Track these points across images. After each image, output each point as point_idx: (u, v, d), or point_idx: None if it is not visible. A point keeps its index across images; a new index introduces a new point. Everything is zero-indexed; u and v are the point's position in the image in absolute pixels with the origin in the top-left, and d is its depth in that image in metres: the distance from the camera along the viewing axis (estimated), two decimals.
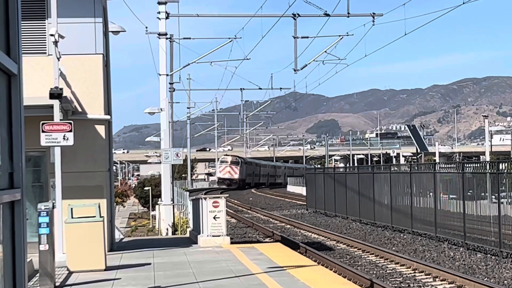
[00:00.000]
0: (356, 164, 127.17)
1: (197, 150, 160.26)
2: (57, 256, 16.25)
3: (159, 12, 36.29)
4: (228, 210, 35.28)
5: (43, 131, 17.89)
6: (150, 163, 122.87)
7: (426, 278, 18.85)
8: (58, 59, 18.90)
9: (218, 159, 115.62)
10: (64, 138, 17.96)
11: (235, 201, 65.87)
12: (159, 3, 36.20)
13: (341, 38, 39.37)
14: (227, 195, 24.85)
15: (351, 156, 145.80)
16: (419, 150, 62.83)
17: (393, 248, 25.47)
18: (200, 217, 22.61)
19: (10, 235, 4.59)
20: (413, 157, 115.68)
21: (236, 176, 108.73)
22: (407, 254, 23.32)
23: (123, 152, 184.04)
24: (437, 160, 73.51)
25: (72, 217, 17.12)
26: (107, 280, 15.56)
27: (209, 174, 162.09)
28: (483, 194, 25.07)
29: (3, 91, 4.55)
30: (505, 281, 18.08)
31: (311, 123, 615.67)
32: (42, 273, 14.74)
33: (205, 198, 22.12)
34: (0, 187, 4.46)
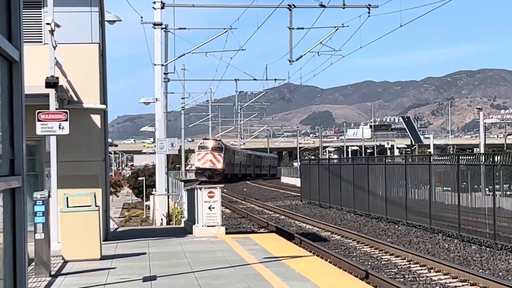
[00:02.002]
0: (350, 156, 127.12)
1: None
2: (52, 245, 16.24)
3: (154, 2, 36.15)
4: (222, 200, 35.21)
5: (38, 120, 17.84)
6: (144, 153, 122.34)
7: (421, 269, 18.89)
8: (54, 48, 18.85)
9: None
10: (59, 127, 17.91)
11: (229, 191, 65.91)
12: None
13: (336, 30, 39.35)
14: (223, 185, 24.88)
15: (345, 147, 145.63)
16: (413, 142, 62.89)
17: (388, 240, 25.51)
18: (195, 207, 22.62)
19: (11, 222, 4.57)
20: (407, 149, 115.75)
21: (219, 166, 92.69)
22: (402, 246, 23.36)
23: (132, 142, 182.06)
24: (432, 152, 73.55)
25: (67, 206, 17.11)
26: (103, 269, 15.55)
27: None
28: (476, 186, 25.11)
29: (5, 78, 4.53)
30: (500, 273, 18.13)
31: (305, 114, 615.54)
32: (38, 262, 14.75)
33: (200, 189, 22.11)
34: (1, 174, 4.44)
